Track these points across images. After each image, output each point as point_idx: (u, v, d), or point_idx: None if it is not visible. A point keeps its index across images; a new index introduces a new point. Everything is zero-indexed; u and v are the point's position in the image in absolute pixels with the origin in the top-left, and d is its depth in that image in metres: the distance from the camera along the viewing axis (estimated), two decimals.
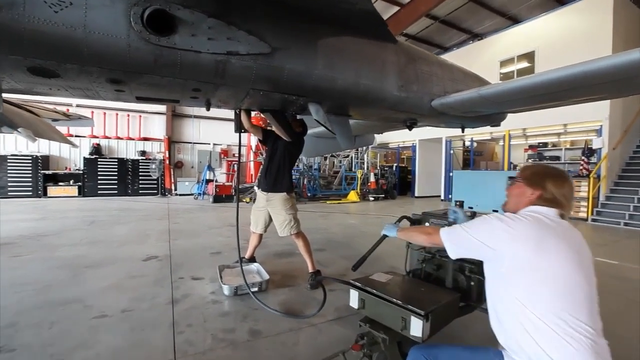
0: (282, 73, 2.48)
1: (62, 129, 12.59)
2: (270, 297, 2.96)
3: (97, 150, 12.63)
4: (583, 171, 9.01)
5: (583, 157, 9.19)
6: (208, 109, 2.83)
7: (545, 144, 13.97)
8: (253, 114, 3.62)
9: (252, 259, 3.84)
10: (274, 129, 3.30)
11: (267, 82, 2.49)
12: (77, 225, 6.28)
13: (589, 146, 9.26)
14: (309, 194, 12.06)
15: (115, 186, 12.56)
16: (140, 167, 13.03)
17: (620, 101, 8.98)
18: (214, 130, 15.18)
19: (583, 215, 8.70)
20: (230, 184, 11.64)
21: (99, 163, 12.33)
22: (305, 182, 12.03)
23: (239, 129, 3.22)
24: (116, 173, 12.58)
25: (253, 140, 13.92)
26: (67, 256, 4.12)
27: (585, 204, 8.72)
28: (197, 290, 3.11)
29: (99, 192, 12.19)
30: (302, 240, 3.36)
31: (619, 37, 8.81)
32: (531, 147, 14.36)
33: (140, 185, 13.02)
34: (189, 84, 2.31)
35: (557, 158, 13.35)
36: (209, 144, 15.14)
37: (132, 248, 4.62)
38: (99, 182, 12.26)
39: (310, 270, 3.34)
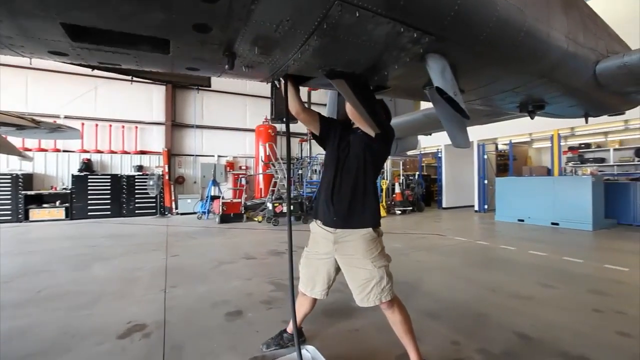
0: None
1: (49, 143, 11.27)
2: None
3: (87, 166, 11.18)
4: None
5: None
6: (231, 67, 1.37)
7: (587, 145, 12.54)
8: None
9: (299, 333, 2.33)
10: (348, 114, 1.78)
11: None
12: (44, 265, 4.73)
13: None
14: None
15: (109, 206, 11.07)
16: (137, 183, 11.56)
17: None
18: (218, 141, 13.81)
19: None
20: (239, 200, 10.15)
21: (89, 180, 10.87)
22: None
23: (284, 113, 1.76)
24: (109, 191, 11.11)
25: (261, 147, 12.50)
26: None
27: None
28: None
29: (89, 213, 10.70)
30: (399, 312, 1.84)
31: None
32: (571, 149, 12.93)
33: (136, 205, 11.52)
34: None
35: (602, 160, 12.01)
36: (213, 156, 13.73)
37: (107, 307, 3.09)
38: (89, 202, 10.78)
39: None
